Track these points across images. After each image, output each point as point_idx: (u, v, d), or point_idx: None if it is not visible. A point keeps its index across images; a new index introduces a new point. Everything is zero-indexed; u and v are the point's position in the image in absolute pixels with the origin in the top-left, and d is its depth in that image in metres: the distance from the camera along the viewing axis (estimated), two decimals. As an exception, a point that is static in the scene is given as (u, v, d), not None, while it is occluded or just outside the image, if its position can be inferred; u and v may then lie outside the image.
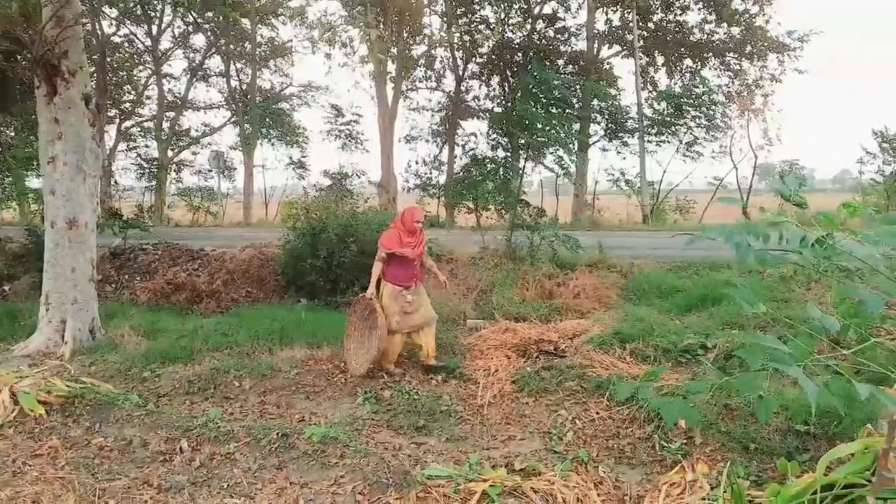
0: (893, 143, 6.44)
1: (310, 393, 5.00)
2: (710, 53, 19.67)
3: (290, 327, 6.44)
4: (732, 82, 19.69)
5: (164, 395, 4.92)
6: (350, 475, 3.56)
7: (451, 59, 22.43)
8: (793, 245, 1.37)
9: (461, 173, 12.24)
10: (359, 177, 22.12)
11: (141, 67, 23.47)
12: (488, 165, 11.25)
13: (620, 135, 18.52)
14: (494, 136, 12.83)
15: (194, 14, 22.23)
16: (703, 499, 3.20)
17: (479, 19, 20.46)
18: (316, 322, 6.70)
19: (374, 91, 20.41)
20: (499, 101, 21.92)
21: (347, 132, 22.54)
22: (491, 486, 3.30)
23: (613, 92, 19.58)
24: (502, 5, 17.73)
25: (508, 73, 21.39)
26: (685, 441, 3.88)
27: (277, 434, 4.02)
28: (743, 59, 19.22)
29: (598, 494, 3.36)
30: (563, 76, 17.86)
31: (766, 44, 18.23)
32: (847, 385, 1.02)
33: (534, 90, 13.41)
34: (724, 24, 18.80)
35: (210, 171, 24.69)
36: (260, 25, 23.21)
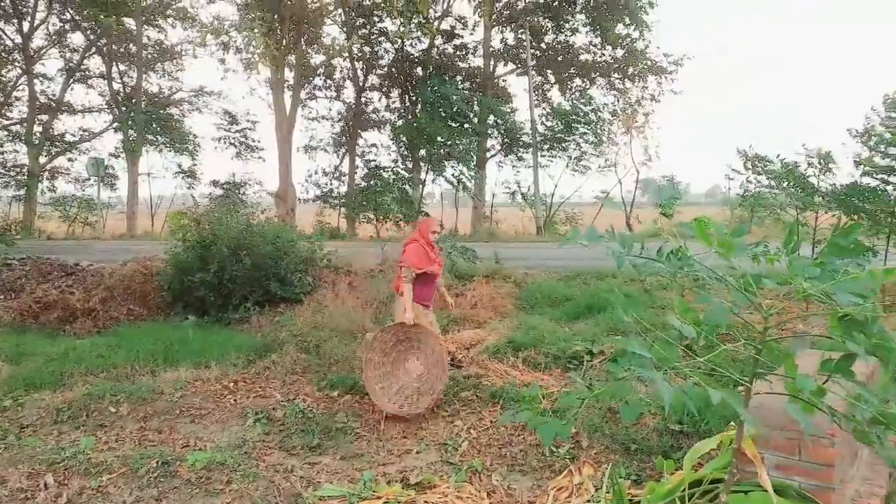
0: (754, 162, 7.15)
1: (195, 416, 4.73)
2: (597, 74, 20.89)
3: (175, 346, 6.07)
4: (617, 101, 21.02)
5: (28, 426, 4.47)
6: (237, 502, 3.40)
7: (351, 70, 22.29)
8: (654, 255, 1.48)
9: (362, 184, 12.18)
10: (254, 187, 21.37)
11: (9, 66, 21.39)
12: (389, 177, 11.27)
13: (515, 149, 19.22)
14: (396, 147, 12.95)
15: (72, 11, 20.61)
16: (588, 501, 3.34)
17: (378, 31, 20.49)
18: (204, 340, 6.36)
19: (271, 98, 19.86)
20: (399, 113, 22.04)
21: (242, 140, 21.73)
22: (385, 502, 3.26)
23: (508, 108, 20.32)
24: (401, 18, 17.92)
25: (409, 87, 21.56)
26: (573, 445, 4.05)
27: (157, 462, 3.77)
28: (626, 79, 20.58)
29: (491, 503, 3.42)
30: (461, 91, 18.29)
31: (645, 66, 19.64)
32: (702, 390, 1.11)
33: (434, 104, 13.66)
34: (609, 47, 20.05)
35: (88, 179, 22.79)
36: (147, 26, 21.89)
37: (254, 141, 21.86)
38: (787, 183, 6.51)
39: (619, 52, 20.06)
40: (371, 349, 5.01)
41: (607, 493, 3.27)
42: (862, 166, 6.35)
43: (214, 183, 21.15)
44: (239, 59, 19.46)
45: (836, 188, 6.30)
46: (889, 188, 6.31)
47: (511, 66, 21.97)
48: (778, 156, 6.81)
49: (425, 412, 4.68)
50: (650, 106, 20.70)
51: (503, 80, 22.42)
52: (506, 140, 19.35)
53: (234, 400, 5.05)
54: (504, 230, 20.56)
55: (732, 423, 2.85)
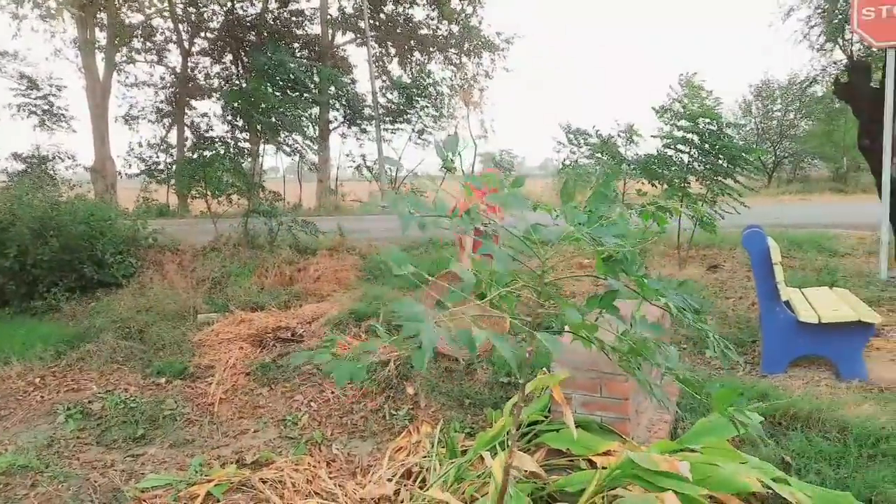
0: (576, 135, 7.80)
1: (-8, 419, 4.17)
2: (435, 49, 21.19)
3: (-38, 344, 5.27)
4: (455, 76, 21.52)
5: None
6: (44, 505, 3.07)
7: (175, 32, 20.40)
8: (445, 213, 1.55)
9: (193, 156, 11.30)
10: (65, 161, 18.91)
11: None
12: (220, 148, 10.56)
13: (358, 122, 18.97)
14: (229, 117, 12.14)
15: None
16: (425, 457, 3.48)
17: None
18: (2, 333, 5.59)
19: (80, 61, 17.60)
20: (232, 80, 20.66)
21: (46, 108, 19.06)
22: (216, 485, 3.13)
23: (350, 79, 19.94)
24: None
25: (241, 52, 20.27)
26: (412, 406, 4.18)
27: (-60, 475, 3.27)
28: (462, 55, 21.12)
29: (330, 472, 3.43)
30: (298, 59, 17.58)
31: (479, 42, 20.29)
32: (468, 331, 1.19)
33: (269, 71, 12.96)
34: (446, 22, 20.40)
35: None
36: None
37: (59, 109, 19.27)
38: (599, 154, 7.16)
39: (455, 28, 20.48)
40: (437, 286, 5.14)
41: (442, 447, 3.42)
42: (660, 138, 7.18)
43: (15, 156, 18.38)
44: (37, 14, 16.96)
45: (639, 157, 7.06)
46: (683, 157, 7.20)
47: (350, 35, 21.52)
48: (594, 128, 7.49)
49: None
50: (485, 81, 21.49)
51: (343, 50, 21.92)
52: (348, 111, 19.01)
53: (42, 397, 4.52)
54: (351, 203, 20.33)
55: (546, 369, 3.12)
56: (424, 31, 21.10)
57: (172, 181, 17.85)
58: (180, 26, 20.17)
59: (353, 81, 20.16)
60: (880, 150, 6.79)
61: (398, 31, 21.11)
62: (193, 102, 21.23)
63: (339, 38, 21.54)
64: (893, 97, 6.70)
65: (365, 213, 17.32)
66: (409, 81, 19.39)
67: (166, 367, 5.00)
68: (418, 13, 21.03)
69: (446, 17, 19.73)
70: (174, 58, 21.09)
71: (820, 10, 10.16)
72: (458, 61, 21.27)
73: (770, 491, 2.23)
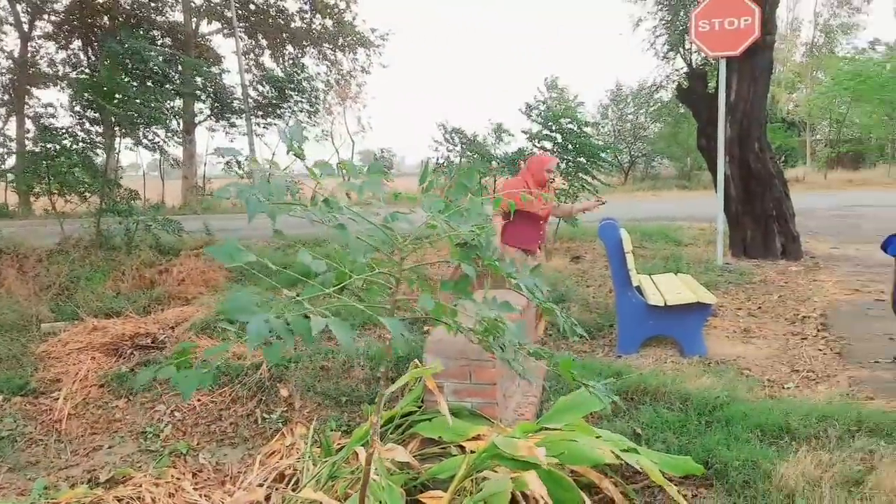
0: (452, 135, 7.97)
1: None
2: (309, 42, 20.68)
3: None
4: (330, 71, 21.15)
5: None
6: None
7: (11, 12, 18.20)
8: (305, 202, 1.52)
9: (35, 150, 10.13)
10: None
11: None
12: (67, 141, 9.56)
13: (227, 115, 18.06)
14: (78, 108, 10.99)
15: None
16: (299, 459, 3.39)
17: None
18: None
19: None
20: (81, 68, 18.83)
21: None
22: (63, 508, 2.85)
23: (217, 70, 18.92)
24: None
25: (92, 38, 18.53)
26: (286, 409, 4.06)
27: None
28: (337, 50, 20.80)
29: (196, 483, 3.25)
30: (158, 48, 16.38)
31: (354, 38, 20.09)
32: (305, 320, 1.18)
33: (124, 59, 11.93)
34: (319, 16, 19.98)
35: None
36: None
37: None
38: (470, 152, 7.39)
39: (329, 23, 20.11)
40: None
41: (317, 447, 3.36)
42: (526, 134, 7.55)
43: None
44: None
45: (507, 155, 7.38)
46: (547, 153, 7.61)
47: (217, 25, 20.42)
48: (475, 134, 7.70)
49: None
50: (361, 77, 21.33)
51: (209, 40, 20.74)
52: (216, 104, 18.01)
53: None
54: (221, 202, 19.31)
55: (417, 360, 3.17)
56: (298, 24, 20.51)
57: (11, 177, 15.96)
58: (18, 6, 18.04)
59: (222, 73, 19.17)
60: (716, 150, 7.61)
61: (269, 22, 20.35)
62: (35, 91, 19.10)
63: (205, 28, 20.37)
64: (725, 102, 7.52)
65: (239, 212, 16.53)
66: (281, 75, 18.76)
67: (3, 383, 4.46)
68: (291, 5, 20.45)
69: (319, 10, 19.31)
70: (12, 41, 18.85)
71: (664, 22, 11.18)
72: (332, 56, 20.90)
73: (622, 461, 2.43)
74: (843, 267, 7.41)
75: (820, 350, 4.46)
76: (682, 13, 10.11)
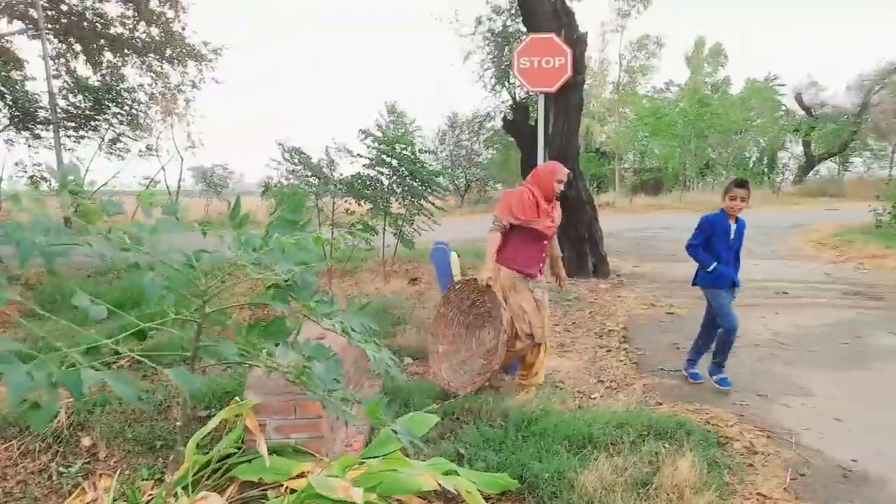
0: (291, 154, 7.71)
1: None
2: (131, 51, 19.01)
3: None
4: (155, 83, 19.59)
5: None
6: None
7: None
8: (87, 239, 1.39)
9: None
10: None
11: None
12: None
13: (30, 125, 15.93)
14: None
15: None
16: (102, 514, 3.04)
17: None
18: None
19: None
20: None
21: None
22: None
23: (20, 75, 16.66)
24: None
25: None
26: (88, 460, 3.63)
27: None
28: (164, 61, 19.35)
29: (-33, 559, 2.77)
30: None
31: (184, 50, 18.85)
32: (76, 372, 1.09)
33: None
34: (144, 23, 18.47)
35: None
36: None
37: None
38: (307, 174, 7.26)
39: (156, 31, 18.67)
40: (447, 302, 4.22)
41: (124, 501, 3.04)
42: (364, 159, 7.61)
43: None
44: None
45: (344, 178, 7.37)
46: (383, 178, 7.74)
47: (19, 24, 17.97)
48: (322, 159, 7.53)
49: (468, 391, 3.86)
50: (191, 92, 20.03)
51: (9, 41, 18.17)
52: (16, 112, 15.80)
53: None
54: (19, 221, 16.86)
55: (237, 398, 3.01)
56: (119, 30, 18.74)
57: None
58: None
59: (26, 78, 16.88)
60: (537, 178, 8.25)
61: (85, 26, 18.36)
62: None
63: (4, 27, 17.84)
64: (544, 134, 8.21)
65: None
66: (97, 84, 16.99)
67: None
68: (111, 9, 18.63)
69: (144, 17, 17.85)
70: None
71: (492, 56, 11.98)
72: (159, 68, 19.38)
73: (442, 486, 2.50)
74: (643, 283, 8.39)
75: (621, 361, 4.98)
76: (506, 49, 10.90)
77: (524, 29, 8.98)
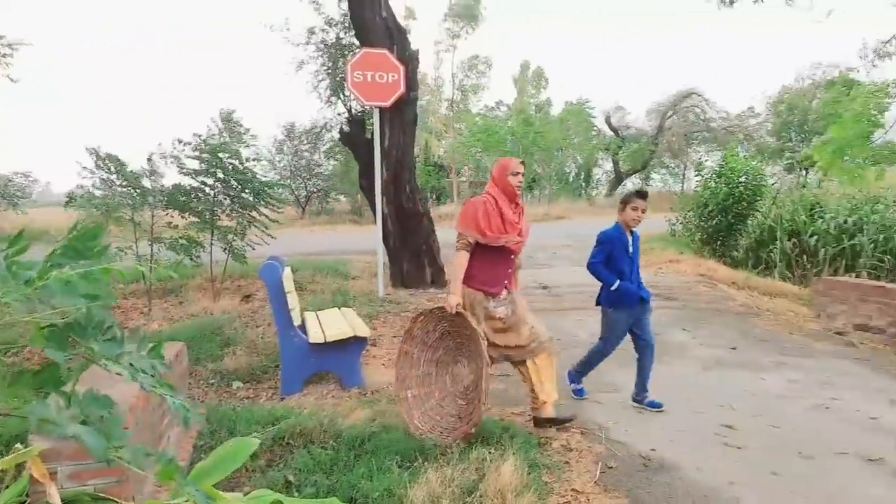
0: (105, 161, 6.85)
1: None
2: None
3: None
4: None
5: None
6: None
7: None
8: None
9: None
10: None
11: None
12: None
13: None
14: None
15: None
16: None
17: None
18: None
19: None
20: None
21: None
22: None
23: None
24: None
25: None
26: None
27: None
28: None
29: None
30: None
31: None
32: None
33: None
34: None
35: None
36: None
37: None
38: (121, 182, 6.57)
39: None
40: (410, 338, 3.70)
41: None
42: (181, 169, 7.05)
43: None
44: None
45: (165, 188, 6.77)
46: (208, 190, 7.25)
47: None
48: (147, 168, 6.78)
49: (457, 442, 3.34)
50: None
51: None
52: None
53: None
54: None
55: (19, 444, 2.60)
56: None
57: None
58: None
59: None
60: (374, 191, 8.27)
61: None
62: None
63: None
64: (381, 148, 8.26)
65: None
66: None
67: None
68: None
69: None
70: None
71: (326, 68, 11.82)
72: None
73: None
74: (478, 292, 8.75)
75: (456, 369, 5.13)
76: (340, 62, 10.82)
77: (358, 42, 8.99)
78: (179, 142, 6.96)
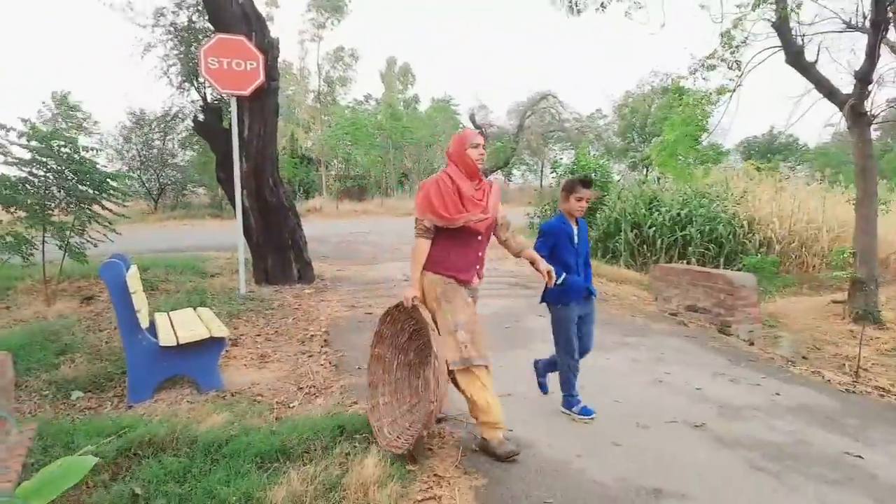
0: None
1: None
2: None
3: None
4: None
5: None
6: None
7: None
8: None
9: None
10: None
11: None
12: None
13: None
14: None
15: None
16: None
17: None
18: None
19: None
20: None
21: None
22: None
23: None
24: None
25: None
26: None
27: None
28: None
29: None
30: None
31: None
32: None
33: None
34: None
35: None
36: None
37: None
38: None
39: None
40: (381, 340, 3.34)
41: None
42: (11, 156, 6.27)
43: None
44: None
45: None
46: (35, 180, 6.50)
47: None
48: None
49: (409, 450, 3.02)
50: None
51: None
52: None
53: None
54: None
55: None
56: None
57: None
58: None
59: None
60: (233, 183, 7.88)
61: None
62: None
63: None
64: (239, 138, 7.87)
65: None
66: None
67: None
68: None
69: None
70: None
71: (177, 52, 11.02)
72: None
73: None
74: (346, 286, 8.68)
75: (321, 365, 5.06)
76: (193, 46, 10.11)
77: (213, 27, 8.48)
78: (2, 127, 6.14)
